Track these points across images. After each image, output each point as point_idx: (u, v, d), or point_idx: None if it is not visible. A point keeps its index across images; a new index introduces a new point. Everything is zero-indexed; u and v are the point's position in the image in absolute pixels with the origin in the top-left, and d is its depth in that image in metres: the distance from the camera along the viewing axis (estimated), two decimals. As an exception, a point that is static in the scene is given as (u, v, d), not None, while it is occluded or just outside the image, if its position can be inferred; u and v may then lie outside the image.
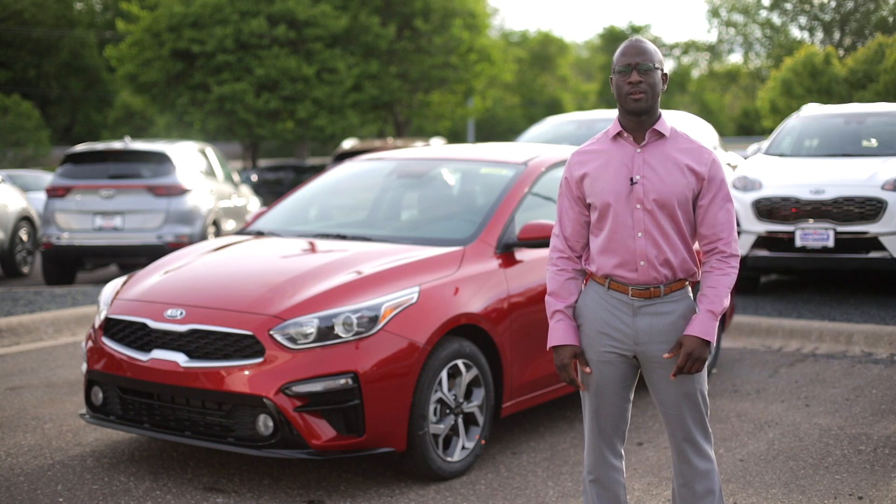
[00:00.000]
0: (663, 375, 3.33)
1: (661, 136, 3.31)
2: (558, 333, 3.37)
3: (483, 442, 5.02)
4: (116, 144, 13.04)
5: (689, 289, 3.38)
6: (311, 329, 4.55)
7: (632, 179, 3.27)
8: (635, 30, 62.32)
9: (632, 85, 3.22)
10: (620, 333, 3.32)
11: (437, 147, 8.29)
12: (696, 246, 3.38)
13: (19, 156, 37.87)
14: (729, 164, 12.32)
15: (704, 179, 3.27)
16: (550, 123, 11.83)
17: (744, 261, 9.34)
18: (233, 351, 4.59)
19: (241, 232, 6.17)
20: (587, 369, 3.36)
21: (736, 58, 60.52)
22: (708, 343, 3.24)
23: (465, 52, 33.04)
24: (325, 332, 4.56)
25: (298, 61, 29.67)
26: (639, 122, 3.29)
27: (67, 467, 5.01)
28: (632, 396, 3.46)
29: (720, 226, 3.29)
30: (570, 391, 5.72)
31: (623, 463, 3.51)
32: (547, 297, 3.43)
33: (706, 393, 3.39)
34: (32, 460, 5.13)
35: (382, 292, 4.75)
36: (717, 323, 3.27)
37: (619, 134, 3.34)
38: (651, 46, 3.29)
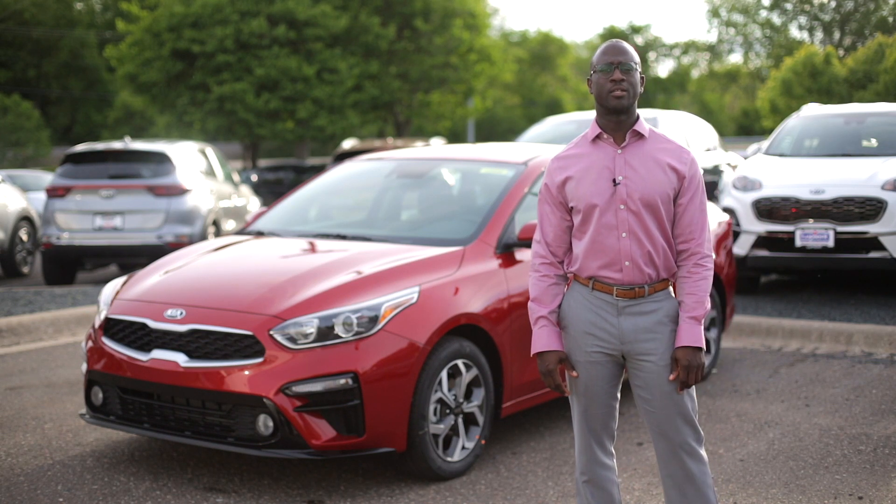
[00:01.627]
0: (649, 374, 3.33)
1: (640, 136, 3.34)
2: (542, 339, 3.38)
3: (483, 442, 5.02)
4: (116, 144, 13.04)
5: (672, 289, 3.40)
6: (311, 329, 4.55)
7: (615, 181, 3.28)
8: (635, 30, 62.34)
9: (614, 83, 3.25)
10: (606, 333, 3.33)
11: (437, 147, 8.29)
12: None
13: (19, 156, 37.87)
14: (729, 164, 12.32)
15: (685, 178, 3.30)
16: (550, 123, 11.84)
17: (744, 261, 9.34)
18: (233, 351, 4.59)
19: (241, 232, 6.17)
20: (574, 373, 3.37)
21: (736, 58, 60.57)
22: (699, 349, 3.29)
23: (465, 52, 33.04)
24: (325, 332, 4.56)
25: (298, 61, 29.67)
26: (618, 123, 3.31)
27: (67, 467, 5.01)
28: (619, 395, 3.48)
29: (694, 225, 3.32)
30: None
31: (615, 461, 3.51)
32: (530, 304, 3.43)
33: (693, 392, 3.39)
34: (32, 460, 5.13)
35: (382, 292, 4.75)
36: (702, 326, 3.32)
37: (598, 136, 3.35)
38: (626, 47, 3.33)
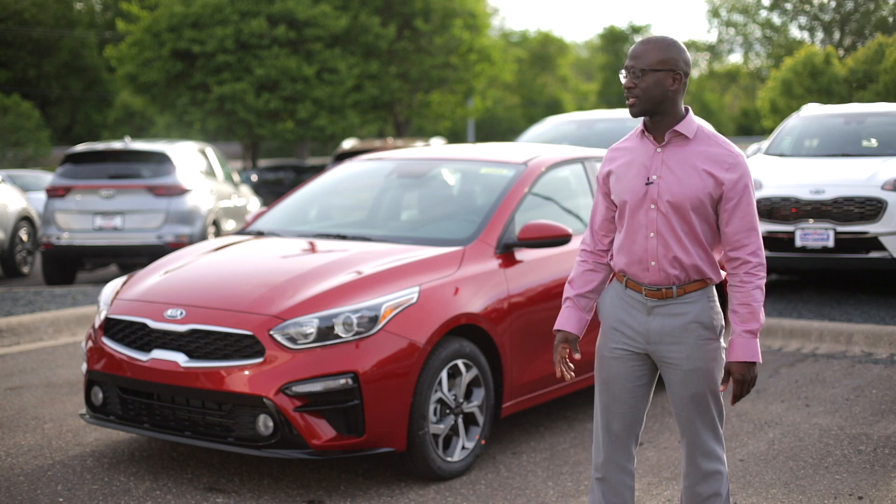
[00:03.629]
0: (674, 376, 3.32)
1: (683, 137, 3.25)
2: (561, 318, 3.46)
3: (483, 442, 5.02)
4: (116, 144, 13.04)
5: (708, 290, 3.31)
6: (311, 329, 4.55)
7: (648, 179, 3.25)
8: (635, 30, 62.31)
9: (627, 90, 3.23)
10: (633, 331, 3.33)
11: (437, 147, 8.29)
12: (718, 255, 3.33)
13: (19, 156, 37.85)
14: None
15: (724, 184, 3.20)
16: (550, 123, 11.83)
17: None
18: (233, 351, 4.59)
19: (241, 232, 6.17)
20: (577, 356, 3.43)
21: (736, 58, 60.51)
22: (752, 364, 3.22)
23: (466, 52, 33.03)
24: (325, 332, 4.56)
25: (298, 61, 29.67)
26: (653, 123, 3.27)
27: (67, 467, 5.01)
28: (648, 399, 3.44)
29: (743, 232, 3.22)
30: (569, 391, 5.73)
31: (634, 465, 3.48)
32: (566, 284, 3.51)
33: (719, 394, 3.35)
34: (32, 460, 5.13)
35: (382, 292, 4.75)
36: (758, 339, 3.24)
37: (643, 132, 3.33)
38: (655, 46, 3.20)
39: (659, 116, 3.24)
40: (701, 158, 3.23)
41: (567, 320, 3.43)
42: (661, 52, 3.20)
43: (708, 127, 3.35)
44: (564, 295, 3.47)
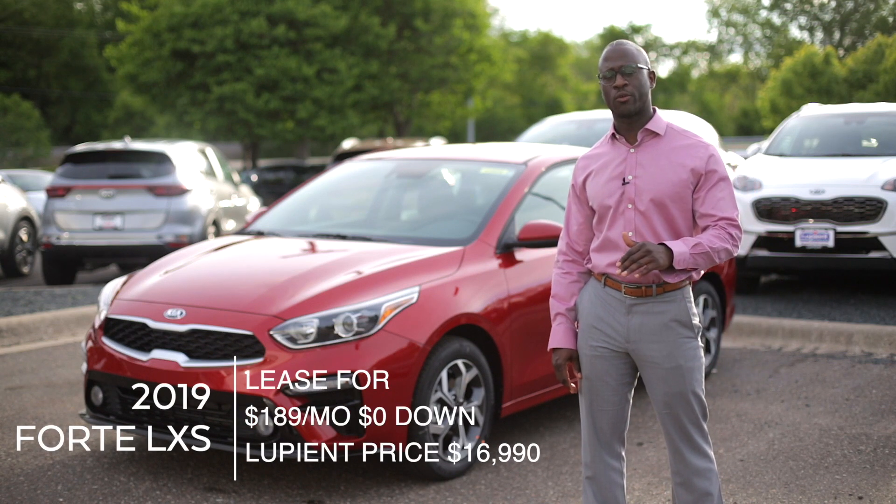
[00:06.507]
0: (654, 374, 3.35)
1: (654, 134, 3.33)
2: (557, 336, 3.46)
3: (483, 442, 5.02)
4: (116, 144, 13.05)
5: (685, 290, 3.36)
6: (311, 329, 4.55)
7: (623, 180, 3.30)
8: (635, 30, 62.32)
9: (618, 89, 3.27)
10: (612, 330, 3.36)
11: (437, 147, 8.29)
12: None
13: (19, 156, 37.83)
14: (729, 164, 12.32)
15: (701, 175, 3.28)
16: (550, 123, 11.82)
17: (744, 261, 9.34)
18: (233, 351, 4.59)
19: (241, 232, 6.17)
20: (578, 375, 3.44)
21: (736, 58, 60.49)
22: (669, 252, 3.17)
23: (466, 52, 33.03)
24: (325, 332, 4.56)
25: (298, 61, 29.66)
26: (630, 124, 3.34)
27: (67, 467, 5.01)
28: (630, 398, 3.47)
29: (721, 205, 3.26)
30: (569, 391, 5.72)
31: (623, 465, 3.50)
32: (550, 299, 3.51)
33: (701, 393, 3.38)
34: (32, 460, 5.13)
35: (382, 292, 4.75)
36: (688, 253, 3.18)
37: (613, 136, 3.38)
38: (633, 47, 3.31)
39: (638, 116, 3.31)
40: (675, 153, 3.30)
41: (565, 337, 3.45)
42: (640, 53, 3.32)
43: (677, 124, 3.41)
44: (554, 311, 3.48)
